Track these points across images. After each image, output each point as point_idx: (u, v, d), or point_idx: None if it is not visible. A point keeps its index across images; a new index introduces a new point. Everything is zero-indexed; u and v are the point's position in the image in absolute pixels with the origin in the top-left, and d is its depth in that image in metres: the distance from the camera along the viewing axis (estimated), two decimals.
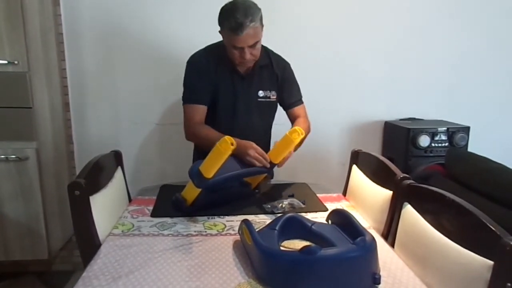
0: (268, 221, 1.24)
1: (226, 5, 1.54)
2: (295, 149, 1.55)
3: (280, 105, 1.81)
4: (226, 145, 1.21)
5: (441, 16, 2.55)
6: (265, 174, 1.61)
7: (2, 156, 1.98)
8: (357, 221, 1.14)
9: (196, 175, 1.27)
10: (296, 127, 1.46)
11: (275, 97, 1.75)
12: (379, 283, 0.96)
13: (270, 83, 1.74)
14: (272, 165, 1.50)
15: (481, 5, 2.55)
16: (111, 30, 2.36)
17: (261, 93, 1.72)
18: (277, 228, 1.16)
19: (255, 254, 1.02)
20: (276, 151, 1.49)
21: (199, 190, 1.32)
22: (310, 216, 1.34)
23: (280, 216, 1.22)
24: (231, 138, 1.23)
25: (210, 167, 1.25)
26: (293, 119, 1.80)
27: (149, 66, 2.41)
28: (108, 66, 2.40)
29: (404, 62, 2.58)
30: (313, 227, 1.19)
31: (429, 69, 2.61)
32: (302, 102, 1.83)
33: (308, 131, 1.75)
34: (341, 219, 1.20)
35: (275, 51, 1.78)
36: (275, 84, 1.74)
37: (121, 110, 2.46)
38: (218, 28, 1.58)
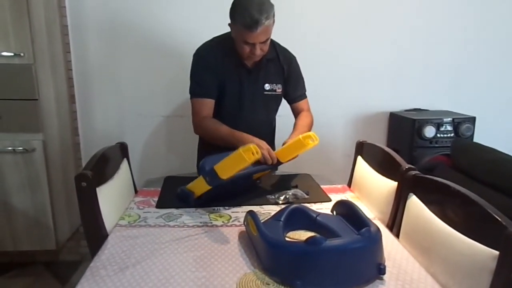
0: (273, 212, 1.25)
1: None
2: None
3: (285, 98, 1.81)
4: (250, 154, 1.20)
5: (446, 6, 2.52)
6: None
7: (9, 148, 1.99)
8: (362, 212, 1.14)
9: (210, 174, 1.25)
10: (311, 133, 1.45)
11: (280, 90, 1.75)
12: (384, 274, 0.97)
13: (277, 76, 1.73)
14: (279, 163, 1.50)
15: None
16: (116, 22, 2.35)
17: (267, 86, 1.71)
18: (282, 219, 1.16)
19: (261, 245, 1.03)
20: (286, 151, 1.49)
21: (209, 187, 1.32)
22: (314, 207, 1.34)
23: (285, 207, 1.23)
24: (256, 146, 1.21)
25: (228, 170, 1.23)
26: (297, 112, 1.80)
27: (154, 58, 2.41)
28: (113, 58, 2.40)
29: (409, 52, 2.56)
30: (318, 218, 1.19)
31: (434, 60, 2.59)
32: (306, 96, 1.83)
33: (311, 125, 1.76)
34: (346, 210, 1.21)
35: (280, 43, 1.77)
36: (281, 77, 1.74)
37: (126, 102, 2.47)
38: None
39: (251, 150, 1.20)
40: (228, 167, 1.23)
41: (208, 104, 1.66)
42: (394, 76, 2.59)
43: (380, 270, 0.97)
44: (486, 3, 2.54)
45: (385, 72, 2.58)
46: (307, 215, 1.21)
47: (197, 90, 1.67)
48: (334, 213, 1.28)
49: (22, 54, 1.91)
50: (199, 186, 1.35)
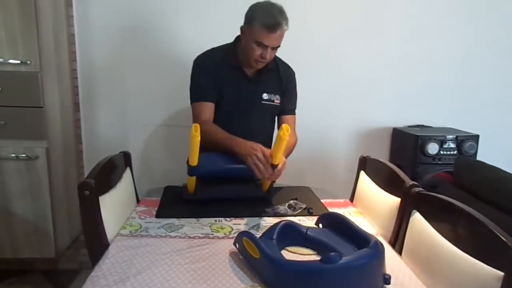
0: None
1: (260, 2, 1.58)
2: (286, 156, 1.54)
3: None
4: (191, 132, 1.28)
5: (449, 22, 2.54)
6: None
7: (13, 155, 1.99)
8: (351, 221, 1.17)
9: (187, 166, 1.41)
10: (283, 125, 1.36)
11: (278, 101, 1.75)
12: (389, 283, 0.98)
13: (275, 87, 1.74)
14: (273, 166, 1.41)
15: (490, 11, 2.55)
16: (122, 32, 2.38)
17: (265, 96, 1.72)
18: (274, 237, 1.13)
19: (267, 267, 1.00)
20: (273, 152, 1.40)
21: (194, 178, 1.46)
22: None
23: (274, 224, 1.19)
24: (198, 126, 1.28)
25: (191, 156, 1.36)
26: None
27: (159, 68, 2.43)
28: (119, 67, 2.42)
29: (413, 68, 2.57)
30: (308, 232, 1.20)
31: (438, 76, 2.60)
32: (295, 113, 1.82)
33: (293, 145, 1.73)
34: (333, 223, 1.22)
35: (283, 55, 1.78)
36: (280, 88, 1.75)
37: (130, 111, 2.48)
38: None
39: (192, 130, 1.28)
40: (190, 153, 1.36)
41: (207, 107, 1.67)
42: (398, 92, 2.60)
43: (385, 280, 0.98)
44: (490, 20, 2.56)
45: (389, 87, 2.59)
46: (297, 231, 1.20)
47: (196, 94, 1.69)
48: (320, 226, 1.28)
49: (29, 62, 1.92)
50: (189, 180, 1.49)
